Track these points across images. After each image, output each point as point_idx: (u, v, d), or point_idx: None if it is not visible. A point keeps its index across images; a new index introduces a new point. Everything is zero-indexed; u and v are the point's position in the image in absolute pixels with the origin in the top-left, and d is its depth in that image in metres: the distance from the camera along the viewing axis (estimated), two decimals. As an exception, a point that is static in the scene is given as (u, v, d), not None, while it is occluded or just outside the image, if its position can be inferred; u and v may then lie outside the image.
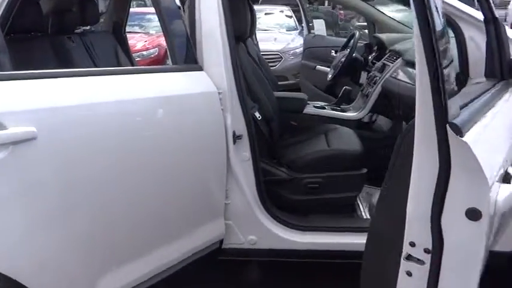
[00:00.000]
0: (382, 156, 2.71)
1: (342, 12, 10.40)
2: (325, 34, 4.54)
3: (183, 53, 1.85)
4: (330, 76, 3.14)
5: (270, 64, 6.96)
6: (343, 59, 3.03)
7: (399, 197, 0.95)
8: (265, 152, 2.20)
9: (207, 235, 1.88)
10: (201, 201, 1.86)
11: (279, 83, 7.02)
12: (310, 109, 2.77)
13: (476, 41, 1.78)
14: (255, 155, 1.98)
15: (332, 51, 4.17)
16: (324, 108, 2.83)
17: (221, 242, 1.98)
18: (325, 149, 2.21)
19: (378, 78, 2.67)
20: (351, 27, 9.19)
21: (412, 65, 2.45)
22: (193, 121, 1.74)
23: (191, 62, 1.83)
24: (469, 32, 1.82)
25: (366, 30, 4.31)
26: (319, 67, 4.19)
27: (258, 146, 1.99)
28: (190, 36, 1.85)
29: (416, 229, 0.87)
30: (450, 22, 1.86)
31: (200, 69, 1.82)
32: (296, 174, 2.16)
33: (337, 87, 3.48)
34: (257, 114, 2.10)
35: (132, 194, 1.54)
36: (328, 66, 4.14)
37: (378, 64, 2.87)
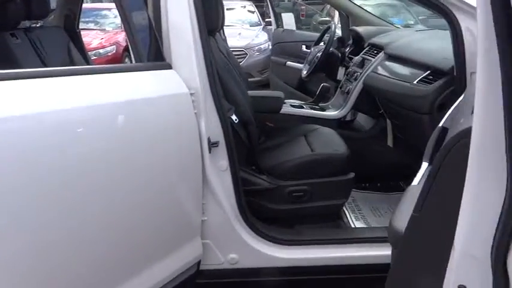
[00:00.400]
0: (366, 157, 2.56)
1: (303, 7, 10.30)
2: (295, 28, 4.34)
3: (147, 49, 1.59)
4: (305, 72, 2.94)
5: (235, 61, 6.78)
6: (319, 54, 2.84)
7: (439, 228, 0.75)
8: (243, 158, 1.98)
9: (183, 258, 1.64)
10: (175, 220, 1.61)
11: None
12: (287, 109, 2.56)
13: (474, 33, 1.63)
14: (234, 163, 1.75)
15: (303, 46, 3.98)
16: (302, 107, 2.63)
17: (199, 263, 1.74)
18: (309, 153, 2.01)
19: (358, 73, 2.50)
20: (314, 23, 9.09)
21: (395, 59, 2.29)
22: (162, 128, 1.49)
23: (158, 60, 1.57)
24: (465, 23, 1.66)
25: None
26: (289, 63, 3.99)
27: (236, 153, 1.76)
28: (155, 29, 1.59)
29: (468, 270, 0.67)
30: (444, 11, 1.70)
31: (168, 67, 1.57)
32: (279, 182, 1.95)
33: (311, 84, 3.29)
34: (234, 117, 1.87)
35: (88, 221, 1.26)
36: (299, 62, 3.98)
37: (357, 59, 2.70)
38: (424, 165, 1.31)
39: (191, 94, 1.56)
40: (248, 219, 1.82)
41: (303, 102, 2.71)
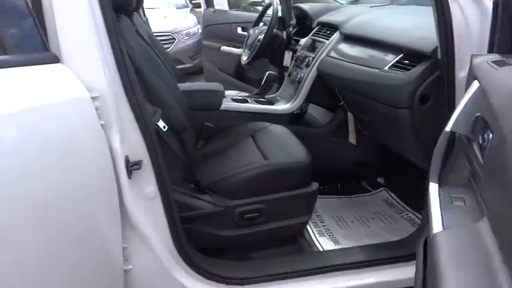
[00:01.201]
0: (325, 157, 2.19)
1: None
2: (228, 9, 3.86)
3: (21, 36, 1.06)
4: (245, 59, 2.50)
5: (164, 47, 6.15)
6: (260, 37, 2.40)
7: None
8: (179, 176, 1.51)
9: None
10: (83, 275, 1.12)
11: (175, 67, 6.33)
12: (228, 104, 2.11)
13: (464, 10, 1.28)
14: (165, 187, 1.29)
15: (238, 27, 3.53)
16: (246, 101, 2.18)
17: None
18: (262, 163, 1.58)
19: (310, 59, 2.10)
20: (244, 4, 8.62)
21: (354, 40, 1.92)
22: (52, 152, 0.98)
23: (38, 50, 1.05)
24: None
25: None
26: (224, 48, 3.53)
27: (168, 171, 1.30)
28: (32, 7, 1.06)
29: None
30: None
31: (55, 60, 1.05)
32: (226, 202, 1.52)
33: (253, 72, 2.87)
34: (161, 124, 1.39)
35: None
36: (235, 46, 3.52)
37: (306, 41, 2.30)
38: (433, 187, 0.93)
39: (93, 98, 1.06)
40: (188, 257, 1.37)
41: (246, 95, 2.27)
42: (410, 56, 1.53)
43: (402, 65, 1.53)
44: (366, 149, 2.06)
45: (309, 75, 2.07)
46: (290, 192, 1.57)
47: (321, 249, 1.70)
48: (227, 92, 2.64)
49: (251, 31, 2.60)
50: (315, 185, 1.62)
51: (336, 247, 1.72)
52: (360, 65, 1.72)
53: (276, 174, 1.55)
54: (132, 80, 1.19)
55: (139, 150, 1.22)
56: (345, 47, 1.94)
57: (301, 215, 1.61)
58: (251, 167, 1.55)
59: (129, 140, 1.18)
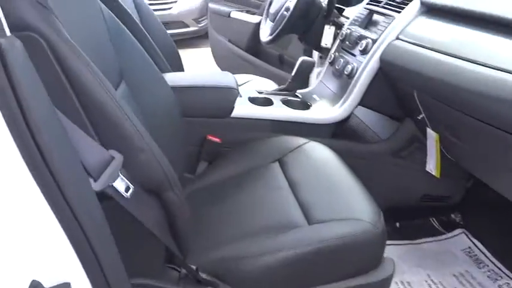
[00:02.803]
0: (383, 187, 1.48)
1: None
2: (240, -38, 3.08)
3: None
4: (266, 34, 1.78)
5: (163, 7, 5.35)
6: (289, 4, 1.67)
7: None
8: (156, 262, 0.86)
9: None
10: None
11: (176, 30, 5.53)
12: (244, 107, 1.40)
13: None
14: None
15: (253, -12, 2.77)
16: (270, 102, 1.47)
17: None
18: (305, 238, 0.92)
19: (368, 42, 1.38)
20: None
21: (448, 14, 1.20)
22: None
23: None
24: None
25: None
26: (236, 14, 2.80)
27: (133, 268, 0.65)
28: None
29: None
30: None
31: None
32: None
33: (271, 46, 2.17)
34: (120, 185, 0.72)
35: None
36: (250, 12, 2.78)
37: (359, 14, 1.57)
38: None
39: None
40: None
41: (270, 92, 1.56)
42: None
43: None
44: (444, 180, 1.38)
45: (366, 68, 1.36)
46: (349, 281, 0.93)
47: None
48: (241, 81, 1.95)
49: (274, -6, 1.87)
50: (388, 266, 0.97)
51: None
52: (462, 59, 1.02)
53: (332, 258, 0.90)
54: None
55: (61, 266, 0.56)
56: (431, 26, 1.22)
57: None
58: (288, 243, 0.89)
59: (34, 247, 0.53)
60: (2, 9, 0.55)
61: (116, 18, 1.10)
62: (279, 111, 1.41)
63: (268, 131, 1.38)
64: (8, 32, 0.53)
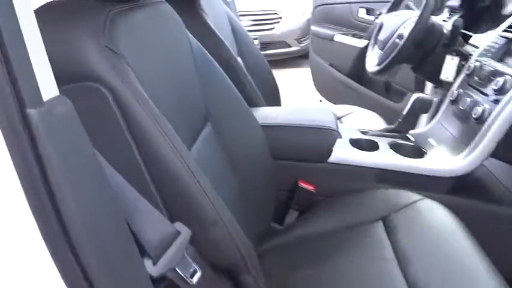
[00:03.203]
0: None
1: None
2: (348, -18, 2.89)
3: None
4: (374, 63, 1.57)
5: (266, 28, 5.35)
6: (403, 31, 1.45)
7: None
8: None
9: None
10: None
11: (278, 50, 5.48)
12: (344, 151, 1.21)
13: None
14: None
15: (361, 9, 2.57)
16: (375, 145, 1.25)
17: None
18: None
19: (508, 78, 1.11)
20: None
21: None
22: None
23: None
24: None
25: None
26: (339, 37, 2.62)
27: None
28: None
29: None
30: None
31: None
32: None
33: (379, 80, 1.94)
34: (186, 271, 0.58)
35: None
36: (355, 36, 2.58)
37: (491, 41, 1.30)
38: None
39: None
40: None
41: (376, 133, 1.34)
42: None
43: None
44: None
45: (502, 113, 1.08)
46: None
47: None
48: (341, 113, 1.76)
49: (385, 18, 1.65)
50: None
51: None
52: None
53: None
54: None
55: None
56: None
57: None
58: None
59: None
60: (61, 58, 0.45)
61: (204, 49, 0.99)
62: (386, 157, 1.19)
63: (371, 181, 1.17)
64: (44, 98, 0.41)
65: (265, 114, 1.23)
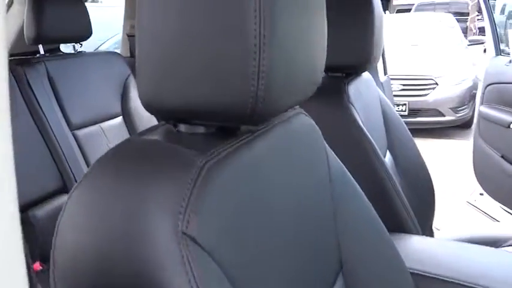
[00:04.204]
0: None
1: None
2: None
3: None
4: None
5: (419, 93, 4.88)
6: None
7: None
8: None
9: None
10: None
11: (428, 119, 4.91)
12: None
13: None
14: None
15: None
16: None
17: None
18: None
19: None
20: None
21: None
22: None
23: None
24: None
25: None
26: (519, 126, 2.12)
27: None
28: None
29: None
30: None
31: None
32: None
33: None
34: None
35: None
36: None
37: None
38: None
39: None
40: None
41: None
42: None
43: None
44: None
45: None
46: None
47: None
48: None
49: None
50: None
51: None
52: None
53: None
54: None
55: None
56: None
57: None
58: None
59: None
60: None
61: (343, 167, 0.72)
62: None
63: None
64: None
65: (417, 250, 0.89)
